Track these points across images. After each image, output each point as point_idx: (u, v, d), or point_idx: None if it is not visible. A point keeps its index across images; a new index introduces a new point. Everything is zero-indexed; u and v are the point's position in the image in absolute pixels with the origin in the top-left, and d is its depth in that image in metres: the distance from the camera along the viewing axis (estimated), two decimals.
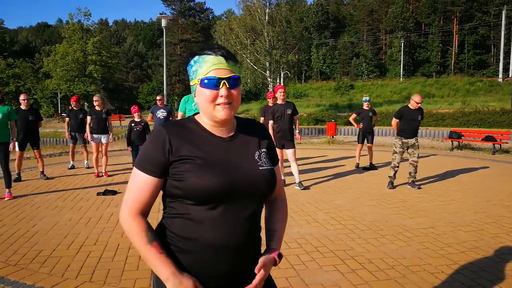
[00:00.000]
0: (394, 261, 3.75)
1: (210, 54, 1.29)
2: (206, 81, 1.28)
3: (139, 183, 1.30)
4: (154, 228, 1.34)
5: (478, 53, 60.22)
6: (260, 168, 1.35)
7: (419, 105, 7.10)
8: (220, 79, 1.27)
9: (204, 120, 1.36)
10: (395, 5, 64.25)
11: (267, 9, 31.34)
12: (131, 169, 7.68)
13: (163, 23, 17.27)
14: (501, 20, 47.72)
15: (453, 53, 61.39)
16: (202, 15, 68.54)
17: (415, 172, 7.17)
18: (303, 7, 68.28)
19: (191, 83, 1.36)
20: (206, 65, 1.28)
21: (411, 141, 7.10)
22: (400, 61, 58.53)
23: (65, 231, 4.72)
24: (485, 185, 7.38)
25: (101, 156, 8.29)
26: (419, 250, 4.06)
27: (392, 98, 41.72)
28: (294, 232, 4.61)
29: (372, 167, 9.25)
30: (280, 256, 1.42)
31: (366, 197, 6.49)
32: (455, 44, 61.71)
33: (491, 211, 5.57)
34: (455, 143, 13.86)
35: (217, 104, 1.28)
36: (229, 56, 1.30)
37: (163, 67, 22.11)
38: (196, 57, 1.32)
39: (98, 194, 6.63)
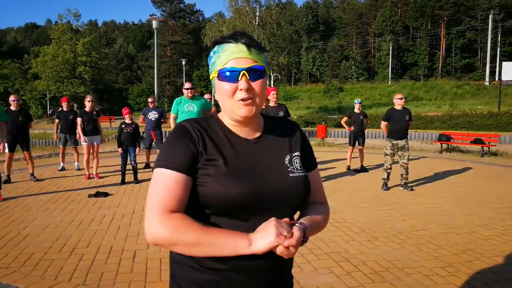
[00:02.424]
0: (388, 263, 3.78)
1: (230, 42, 1.12)
2: (223, 72, 1.11)
3: (169, 183, 1.08)
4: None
5: (465, 57, 61.18)
6: (291, 175, 1.17)
7: (402, 100, 7.24)
8: (240, 70, 1.10)
9: (225, 119, 1.20)
10: (384, 8, 64.97)
11: (258, 12, 31.42)
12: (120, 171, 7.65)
13: (154, 24, 17.19)
14: (488, 25, 48.52)
15: (441, 56, 62.24)
16: (192, 17, 68.44)
17: (407, 174, 7.25)
18: (293, 10, 68.58)
19: (210, 77, 1.20)
20: (225, 55, 1.11)
21: (401, 142, 7.18)
22: (389, 64, 59.14)
23: (56, 233, 4.65)
24: (475, 188, 7.48)
25: (92, 157, 8.20)
26: (412, 252, 4.10)
27: (381, 101, 42.06)
28: None
29: (363, 169, 9.31)
30: (307, 239, 1.11)
31: (358, 199, 6.52)
32: (442, 48, 62.57)
33: (482, 214, 5.64)
34: (444, 145, 14.04)
35: (237, 100, 1.11)
36: (252, 44, 1.12)
37: (153, 69, 22.02)
38: (216, 47, 1.15)
39: (90, 196, 6.55)
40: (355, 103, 9.66)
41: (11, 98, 7.64)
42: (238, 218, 1.10)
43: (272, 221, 1.04)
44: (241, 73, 1.10)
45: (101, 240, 4.44)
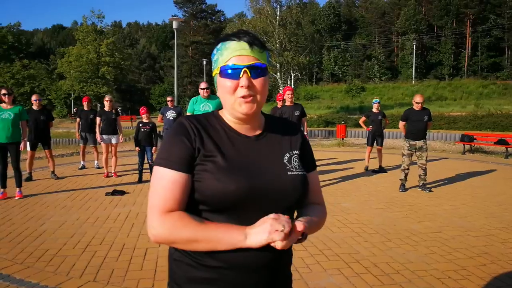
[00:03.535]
0: (400, 266, 3.70)
1: (233, 40, 1.14)
2: (225, 70, 1.12)
3: (166, 182, 1.10)
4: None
5: (491, 56, 59.44)
6: (289, 173, 1.17)
7: (420, 104, 7.06)
8: (241, 67, 1.11)
9: (226, 116, 1.21)
10: (408, 7, 63.79)
11: (278, 11, 31.37)
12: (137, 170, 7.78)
13: (175, 25, 17.39)
14: None
15: (466, 55, 60.69)
16: (213, 17, 68.94)
17: (425, 175, 7.09)
18: (315, 9, 68.15)
19: (213, 74, 1.21)
20: (227, 52, 1.13)
21: (419, 143, 7.03)
22: (412, 64, 58.02)
23: (72, 230, 4.76)
24: (497, 189, 7.25)
25: (110, 156, 8.36)
26: (426, 254, 4.00)
27: (404, 100, 41.33)
28: None
29: (381, 170, 9.17)
30: (306, 236, 1.12)
31: (375, 200, 6.42)
32: (468, 47, 61.00)
33: (502, 216, 5.47)
34: (467, 146, 13.66)
35: (238, 97, 1.12)
36: (255, 42, 1.13)
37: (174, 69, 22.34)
38: (219, 45, 1.17)
39: (107, 194, 6.68)
40: (374, 102, 9.53)
41: (33, 97, 7.88)
42: (235, 215, 1.10)
43: (270, 217, 1.05)
44: (243, 70, 1.11)
45: (114, 237, 4.51)
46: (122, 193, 6.74)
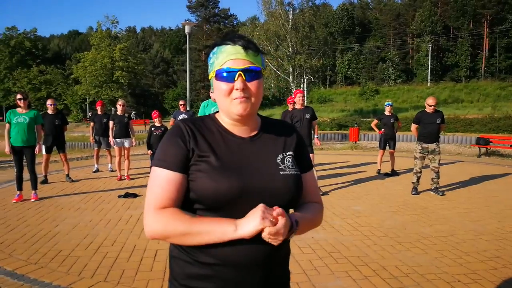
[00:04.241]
0: (409, 269, 3.68)
1: (228, 44, 1.17)
2: (221, 73, 1.16)
3: (161, 182, 1.15)
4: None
5: (510, 57, 58.30)
6: (281, 173, 1.19)
7: (432, 107, 6.98)
8: (236, 70, 1.15)
9: (223, 118, 1.25)
10: (423, 8, 63.12)
11: (291, 15, 31.37)
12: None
13: (187, 29, 17.57)
14: None
15: (484, 57, 59.70)
16: (226, 21, 69.15)
17: (438, 178, 7.01)
18: (328, 12, 67.92)
19: (209, 77, 1.24)
20: (223, 56, 1.17)
21: (432, 146, 6.95)
22: (428, 66, 57.34)
23: (85, 231, 4.85)
24: (511, 193, 7.13)
25: (123, 159, 8.48)
26: (436, 258, 3.96)
27: (419, 103, 40.87)
28: (308, 237, 4.58)
29: (393, 173, 9.09)
30: (297, 222, 1.14)
31: (386, 203, 6.38)
32: (485, 48, 60.01)
33: None
34: (483, 149, 13.45)
35: (233, 99, 1.16)
36: (249, 46, 1.17)
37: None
38: (215, 48, 1.21)
39: (119, 196, 6.78)
40: (386, 105, 9.48)
41: (48, 102, 8.06)
42: (228, 214, 1.12)
43: (259, 206, 1.08)
44: (238, 73, 1.14)
45: (125, 239, 4.58)
46: (135, 195, 6.83)
